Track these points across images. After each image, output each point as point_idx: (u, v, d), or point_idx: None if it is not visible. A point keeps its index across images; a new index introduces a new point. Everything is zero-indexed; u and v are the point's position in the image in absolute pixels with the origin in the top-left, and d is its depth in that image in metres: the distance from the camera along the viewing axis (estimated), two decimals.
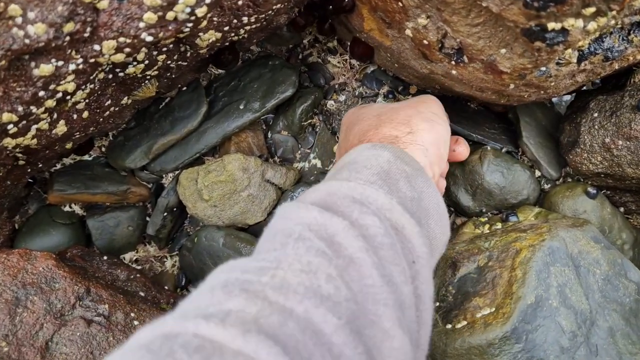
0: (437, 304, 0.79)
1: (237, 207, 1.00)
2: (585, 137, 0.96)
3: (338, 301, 0.42)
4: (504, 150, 1.06)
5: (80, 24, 0.55)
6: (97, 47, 0.59)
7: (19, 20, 0.53)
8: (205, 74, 1.10)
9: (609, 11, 0.60)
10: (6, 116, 0.60)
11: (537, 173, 1.05)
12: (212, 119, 1.03)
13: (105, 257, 0.92)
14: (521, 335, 0.71)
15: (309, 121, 1.10)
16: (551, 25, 0.62)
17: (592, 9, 0.59)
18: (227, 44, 0.85)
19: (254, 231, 1.03)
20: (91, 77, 0.65)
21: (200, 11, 0.60)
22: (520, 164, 1.03)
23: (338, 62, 1.12)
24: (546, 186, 1.05)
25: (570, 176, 1.05)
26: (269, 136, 1.10)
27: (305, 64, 1.14)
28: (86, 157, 1.09)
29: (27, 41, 0.54)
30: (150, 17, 0.57)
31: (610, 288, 0.82)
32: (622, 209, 1.04)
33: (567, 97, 1.17)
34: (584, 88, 1.07)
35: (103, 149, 1.09)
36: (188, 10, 0.58)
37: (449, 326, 0.74)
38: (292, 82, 1.03)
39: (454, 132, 1.10)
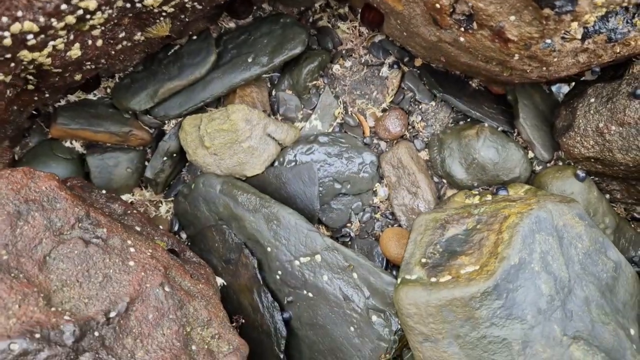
0: (424, 260, 0.82)
1: (236, 157, 1.02)
2: (580, 120, 0.99)
3: None
4: (500, 129, 1.09)
5: None
6: None
7: None
8: (215, 26, 1.11)
9: None
10: (27, 25, 0.62)
11: (530, 155, 1.08)
12: (219, 69, 1.04)
13: (103, 191, 0.94)
14: (502, 293, 0.74)
15: (314, 82, 1.12)
16: None
17: None
18: None
19: (251, 184, 1.05)
20: (112, 0, 0.67)
21: None
22: (515, 144, 1.06)
23: (347, 29, 1.14)
24: (537, 168, 1.09)
25: (561, 160, 1.08)
26: (273, 94, 1.12)
27: (314, 27, 1.16)
28: (91, 96, 1.10)
29: None
30: None
31: (590, 262, 0.85)
32: (607, 196, 1.08)
33: (567, 89, 1.20)
34: (583, 78, 1.10)
35: (108, 90, 1.10)
36: None
37: (433, 279, 0.77)
38: (302, 40, 1.04)
39: (455, 108, 1.13)
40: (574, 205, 0.90)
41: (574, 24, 0.73)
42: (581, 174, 1.01)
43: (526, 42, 0.76)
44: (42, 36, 0.66)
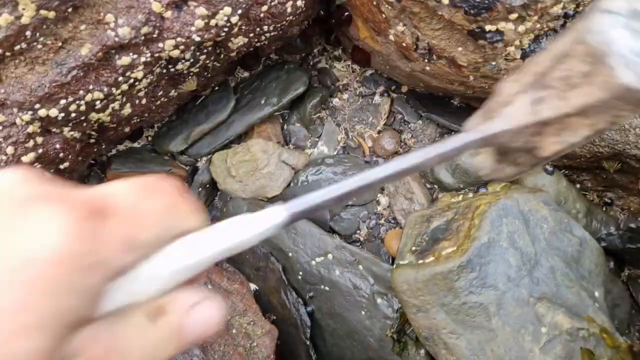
0: (414, 248, 1.00)
1: (258, 182, 1.23)
2: None
3: None
4: None
5: (152, 27, 0.79)
6: (160, 44, 0.83)
7: (112, 24, 0.77)
8: (232, 77, 1.34)
9: (528, 17, 0.82)
10: (96, 94, 0.84)
11: None
12: (238, 112, 1.27)
13: None
14: (475, 266, 0.91)
15: (318, 115, 1.33)
16: (488, 27, 0.84)
17: (515, 15, 0.82)
18: (251, 49, 1.10)
19: (273, 202, 1.25)
20: (153, 69, 0.90)
21: (234, 19, 0.84)
22: None
23: (342, 67, 1.36)
24: None
25: None
26: (285, 128, 1.34)
27: (315, 69, 1.38)
28: (136, 145, 1.33)
29: (116, 39, 0.78)
30: (199, 23, 0.81)
31: (555, 239, 1.02)
32: (578, 186, 1.24)
33: None
34: None
35: (149, 138, 1.34)
36: (225, 18, 0.83)
37: (420, 262, 0.95)
38: (304, 81, 1.27)
39: (440, 124, 1.33)
40: (540, 194, 1.08)
41: (510, 48, 0.93)
42: (549, 168, 1.19)
43: (474, 66, 0.96)
44: (105, 101, 0.89)
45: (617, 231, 1.14)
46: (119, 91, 0.88)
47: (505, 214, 0.99)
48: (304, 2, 0.96)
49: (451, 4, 0.82)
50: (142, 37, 0.80)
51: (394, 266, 0.99)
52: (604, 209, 1.25)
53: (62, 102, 0.81)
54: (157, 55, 0.85)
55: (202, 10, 0.80)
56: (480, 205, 1.00)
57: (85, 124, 0.92)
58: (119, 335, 0.22)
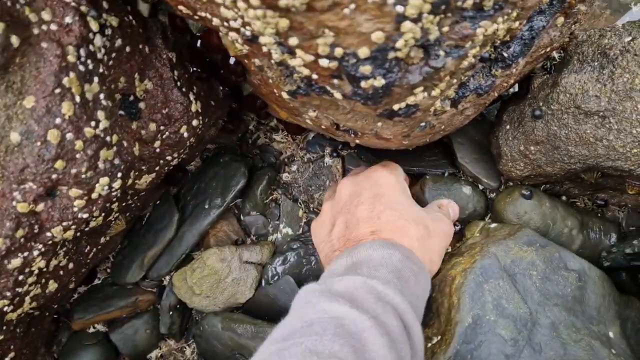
0: None
1: (226, 292, 1.14)
2: (505, 148, 1.05)
3: None
4: (446, 174, 1.17)
5: (28, 227, 0.71)
6: (49, 234, 0.74)
7: None
8: (173, 181, 1.25)
9: (434, 86, 0.71)
10: (0, 303, 0.76)
11: (481, 187, 1.15)
12: (186, 223, 1.18)
13: None
14: (465, 356, 0.81)
15: (270, 197, 1.23)
16: (396, 106, 0.74)
17: (420, 89, 0.71)
18: (171, 168, 1.00)
19: (248, 308, 1.16)
20: (57, 250, 0.81)
21: (117, 183, 0.75)
22: (460, 183, 1.13)
23: (282, 138, 1.26)
24: (492, 195, 1.15)
25: (511, 180, 1.14)
26: (242, 219, 1.24)
27: (256, 147, 1.28)
28: (96, 282, 1.25)
29: None
30: (79, 202, 0.72)
31: (549, 284, 0.91)
32: (564, 198, 1.13)
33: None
34: (506, 93, 1.17)
35: (108, 270, 1.26)
36: (107, 187, 0.74)
37: None
38: (242, 172, 1.17)
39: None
40: (521, 233, 0.96)
41: (435, 106, 0.82)
42: (526, 192, 1.07)
43: (402, 134, 0.85)
44: (17, 300, 0.80)
45: (617, 247, 1.02)
46: (26, 287, 0.80)
47: (486, 278, 0.88)
48: (199, 119, 0.86)
49: (345, 98, 0.71)
50: (22, 240, 0.71)
51: None
52: (599, 213, 1.13)
53: None
54: (50, 242, 0.77)
55: (75, 192, 0.71)
56: (455, 276, 0.89)
57: (6, 324, 0.84)
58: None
